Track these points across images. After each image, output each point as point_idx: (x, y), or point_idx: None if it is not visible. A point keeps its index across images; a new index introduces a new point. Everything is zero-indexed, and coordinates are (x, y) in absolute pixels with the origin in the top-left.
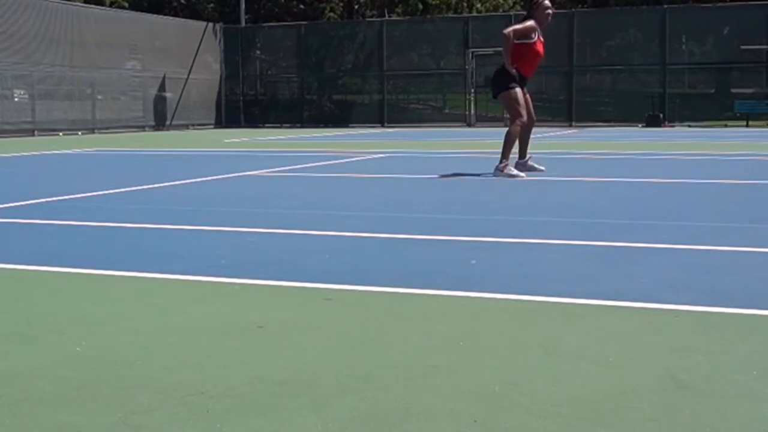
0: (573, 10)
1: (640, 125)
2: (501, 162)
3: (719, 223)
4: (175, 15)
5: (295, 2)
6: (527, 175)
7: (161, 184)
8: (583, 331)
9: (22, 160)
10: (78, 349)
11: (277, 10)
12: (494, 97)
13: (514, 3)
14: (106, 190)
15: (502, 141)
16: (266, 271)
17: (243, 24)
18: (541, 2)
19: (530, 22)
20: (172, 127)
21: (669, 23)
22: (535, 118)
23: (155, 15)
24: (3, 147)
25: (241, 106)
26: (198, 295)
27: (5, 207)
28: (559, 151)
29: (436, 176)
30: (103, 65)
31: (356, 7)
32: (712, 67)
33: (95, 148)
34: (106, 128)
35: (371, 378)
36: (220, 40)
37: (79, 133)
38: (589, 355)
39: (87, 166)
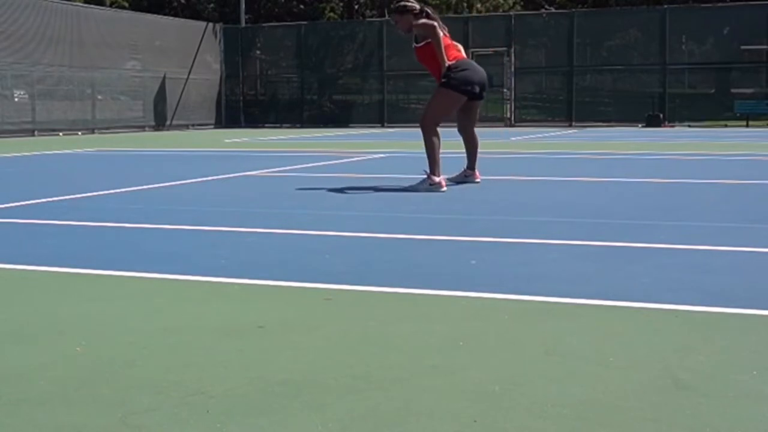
0: (573, 10)
1: (640, 125)
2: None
3: (719, 223)
4: (175, 15)
5: (295, 2)
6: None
7: (161, 184)
8: (583, 331)
9: (22, 160)
10: (78, 349)
11: (277, 10)
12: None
13: (514, 3)
14: (106, 190)
15: (477, 144)
16: (266, 271)
17: (243, 24)
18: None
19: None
20: (172, 127)
21: (669, 23)
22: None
23: (155, 15)
24: (3, 147)
25: (241, 106)
26: (198, 295)
27: (5, 207)
28: (559, 151)
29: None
30: (102, 65)
31: (356, 7)
32: (712, 67)
33: (95, 148)
34: (106, 128)
35: (371, 378)
36: (220, 40)
37: (79, 133)
38: (589, 355)
39: (87, 166)
